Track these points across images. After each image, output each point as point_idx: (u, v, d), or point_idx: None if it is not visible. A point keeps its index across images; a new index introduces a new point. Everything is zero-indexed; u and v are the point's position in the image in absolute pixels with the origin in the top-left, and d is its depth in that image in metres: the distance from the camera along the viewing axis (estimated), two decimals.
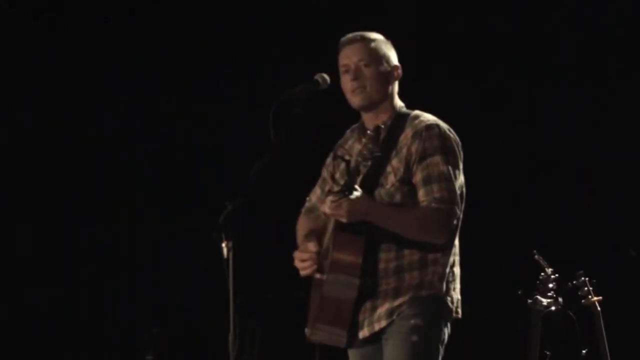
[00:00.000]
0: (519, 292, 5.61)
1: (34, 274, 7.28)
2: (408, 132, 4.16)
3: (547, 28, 7.05)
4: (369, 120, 4.23)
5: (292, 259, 4.28)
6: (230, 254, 3.68)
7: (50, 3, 7.36)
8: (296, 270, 4.27)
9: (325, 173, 4.42)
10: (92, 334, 7.37)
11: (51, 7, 7.33)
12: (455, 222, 4.11)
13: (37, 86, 7.28)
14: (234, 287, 3.68)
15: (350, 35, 4.25)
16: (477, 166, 4.34)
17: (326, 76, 4.10)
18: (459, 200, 4.12)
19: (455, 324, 4.21)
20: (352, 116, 4.36)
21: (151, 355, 6.77)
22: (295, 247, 4.37)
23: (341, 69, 4.24)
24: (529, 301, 5.54)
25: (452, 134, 4.19)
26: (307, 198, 4.47)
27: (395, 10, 6.96)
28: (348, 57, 4.21)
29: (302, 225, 4.42)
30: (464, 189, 4.18)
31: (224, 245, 3.69)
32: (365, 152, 4.07)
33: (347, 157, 4.21)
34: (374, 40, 4.24)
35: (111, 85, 7.34)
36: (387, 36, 4.29)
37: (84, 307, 7.35)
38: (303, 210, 4.46)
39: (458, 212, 4.12)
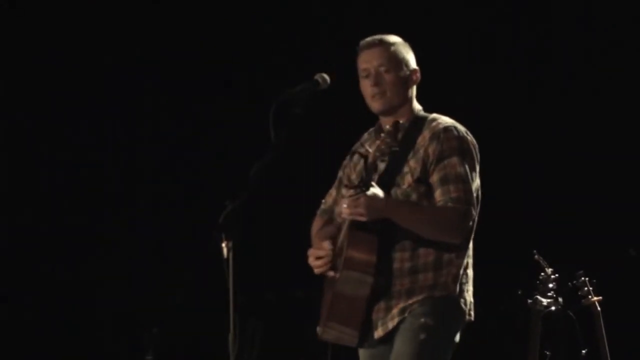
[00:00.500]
0: (519, 292, 5.61)
1: (33, 274, 7.27)
2: (426, 134, 4.17)
3: (546, 26, 7.07)
4: (387, 123, 4.21)
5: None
6: (230, 254, 3.68)
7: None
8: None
9: (341, 174, 4.42)
10: (92, 334, 7.37)
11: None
12: (470, 223, 4.11)
13: (36, 85, 7.29)
14: (234, 287, 3.68)
15: (369, 39, 4.26)
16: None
17: (326, 76, 4.08)
18: (475, 202, 4.13)
19: None
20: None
21: (151, 355, 6.77)
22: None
23: (361, 73, 4.25)
24: (529, 301, 5.54)
25: (470, 137, 4.21)
26: (323, 200, 4.47)
27: (395, 10, 6.96)
28: (368, 61, 4.22)
29: (317, 226, 4.42)
30: (480, 192, 4.18)
31: (224, 245, 3.68)
32: (383, 147, 4.07)
33: (364, 153, 4.21)
34: (393, 44, 4.24)
35: (111, 84, 7.34)
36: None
37: (83, 306, 7.35)
38: (318, 212, 4.46)
39: (474, 213, 4.12)
